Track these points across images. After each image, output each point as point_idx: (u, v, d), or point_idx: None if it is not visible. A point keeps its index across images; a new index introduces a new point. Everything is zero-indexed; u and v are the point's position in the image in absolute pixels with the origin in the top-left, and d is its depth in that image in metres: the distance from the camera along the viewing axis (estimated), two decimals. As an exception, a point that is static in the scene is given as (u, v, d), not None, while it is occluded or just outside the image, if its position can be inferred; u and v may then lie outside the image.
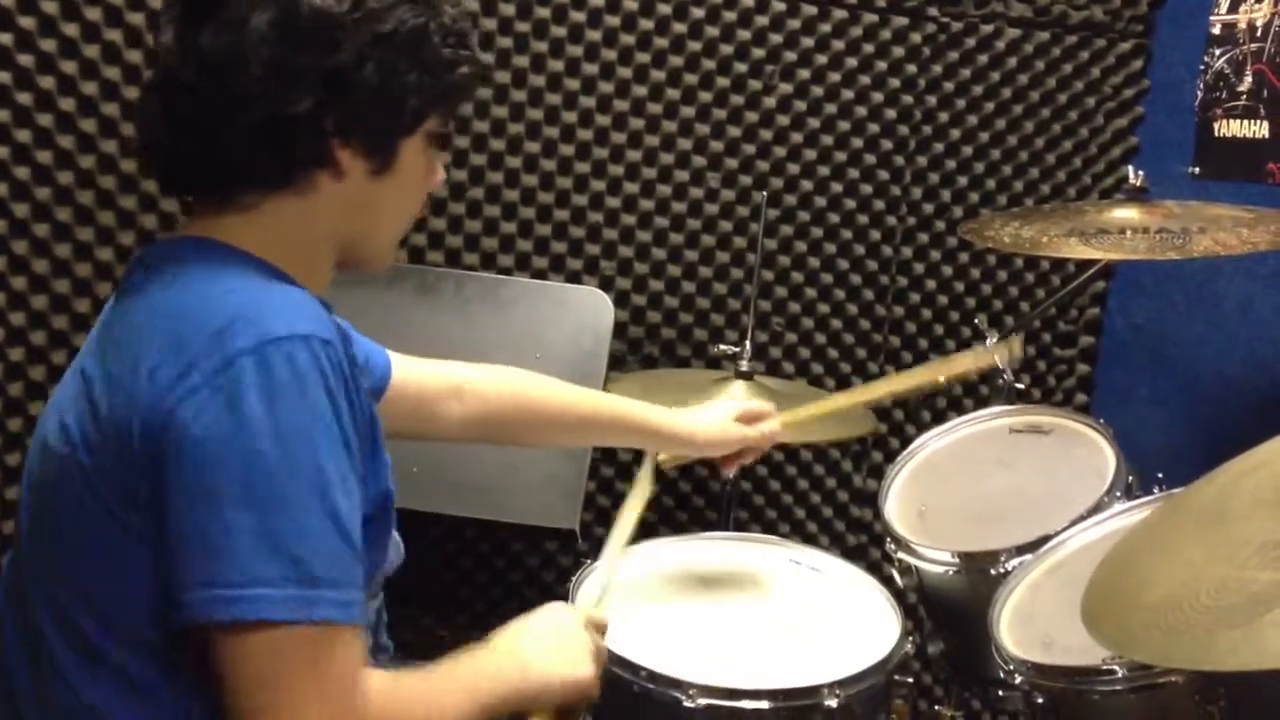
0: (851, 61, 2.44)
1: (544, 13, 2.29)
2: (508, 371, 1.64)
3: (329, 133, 1.11)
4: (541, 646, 1.28)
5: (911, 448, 2.01)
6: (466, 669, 1.21)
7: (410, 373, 1.54)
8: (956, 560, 1.76)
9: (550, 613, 1.34)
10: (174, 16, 1.12)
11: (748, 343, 2.19)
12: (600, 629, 1.38)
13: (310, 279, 1.17)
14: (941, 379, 1.73)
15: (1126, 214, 1.94)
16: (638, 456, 2.47)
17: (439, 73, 1.15)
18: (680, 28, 2.35)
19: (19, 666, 1.11)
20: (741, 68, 2.40)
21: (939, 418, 2.42)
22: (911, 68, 2.46)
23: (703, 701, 1.47)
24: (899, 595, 1.77)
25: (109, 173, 2.16)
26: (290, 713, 1.00)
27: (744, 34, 2.38)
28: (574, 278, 2.39)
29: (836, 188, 2.49)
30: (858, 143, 2.48)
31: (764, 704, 1.48)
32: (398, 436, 1.31)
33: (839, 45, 2.43)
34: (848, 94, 2.45)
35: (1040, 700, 1.46)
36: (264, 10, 1.07)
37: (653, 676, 1.49)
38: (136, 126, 1.18)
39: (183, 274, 1.09)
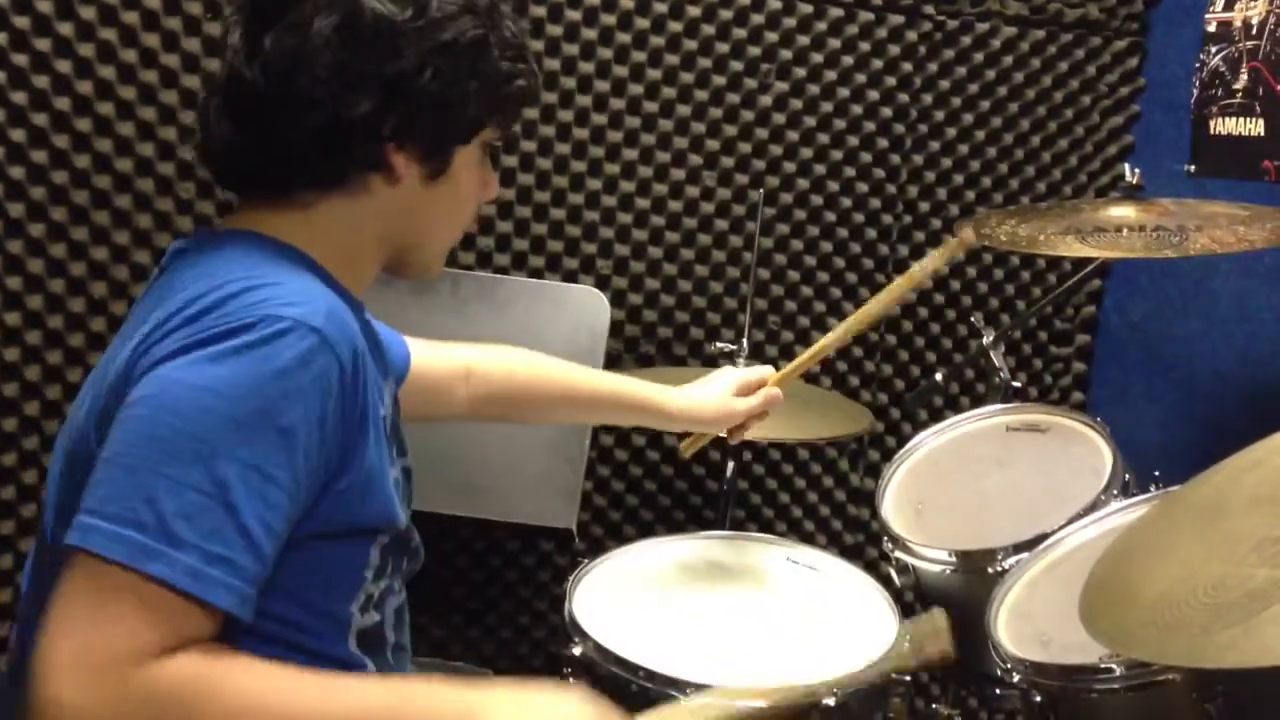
0: (847, 60, 2.44)
1: (539, 11, 2.29)
2: (513, 351, 1.67)
3: (386, 137, 1.14)
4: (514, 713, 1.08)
5: (908, 446, 2.02)
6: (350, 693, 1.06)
7: (421, 358, 1.57)
8: (953, 559, 1.76)
9: (555, 699, 1.12)
10: (241, 18, 1.14)
11: (744, 341, 2.19)
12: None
13: (353, 279, 1.21)
14: (913, 282, 1.74)
15: (1123, 212, 1.94)
16: (634, 456, 2.48)
17: (497, 84, 1.19)
18: (676, 26, 2.35)
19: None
20: (737, 66, 2.40)
21: (936, 416, 2.42)
22: (907, 66, 2.46)
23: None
24: (896, 594, 1.77)
25: (105, 172, 2.15)
26: (61, 636, 0.94)
27: (740, 32, 2.38)
28: (570, 277, 2.39)
29: (833, 186, 2.48)
30: (854, 141, 2.47)
31: (761, 703, 1.48)
32: (410, 420, 1.33)
33: (835, 43, 2.42)
34: (843, 92, 2.45)
35: (1038, 698, 1.47)
36: (328, 15, 1.10)
37: (650, 675, 1.49)
38: (199, 122, 1.20)
39: (216, 258, 1.12)
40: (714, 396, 1.70)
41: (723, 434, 1.75)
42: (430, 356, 1.59)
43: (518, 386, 1.65)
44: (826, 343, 1.74)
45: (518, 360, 1.67)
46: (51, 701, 0.92)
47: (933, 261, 1.71)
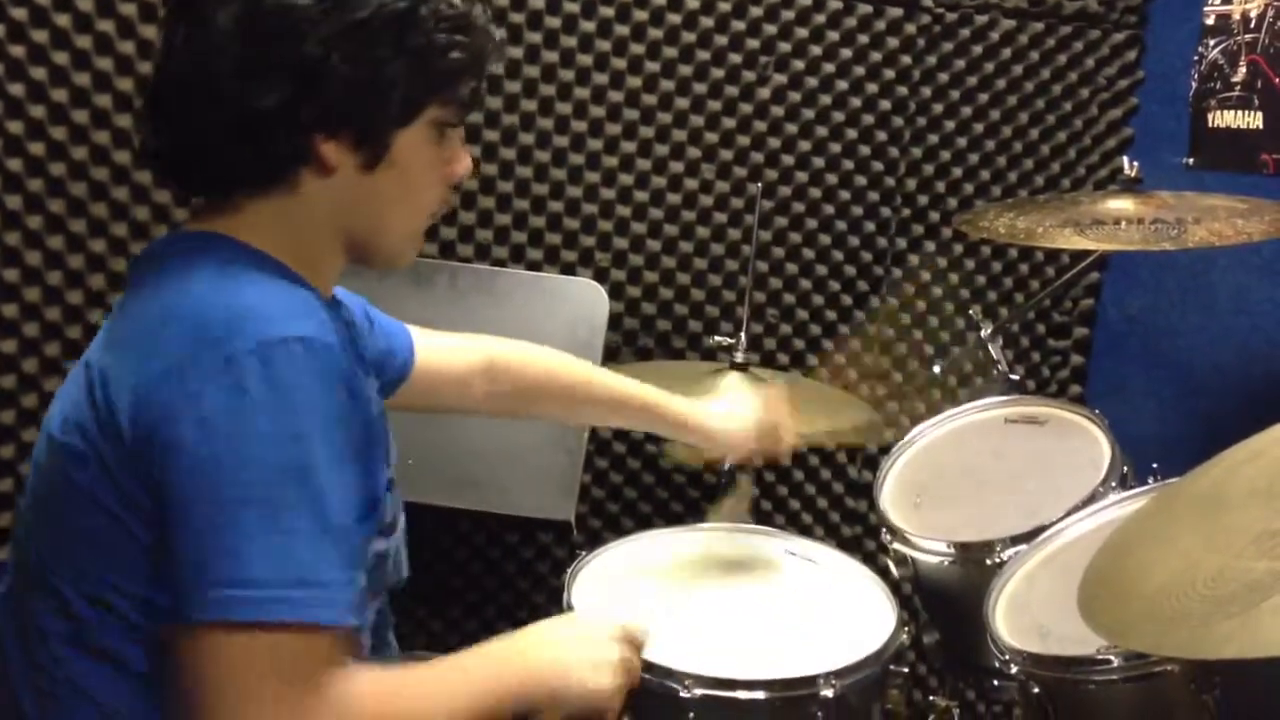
0: (846, 52, 2.43)
1: (538, 3, 2.28)
2: (538, 349, 1.66)
3: (307, 127, 1.10)
4: (560, 650, 1.24)
5: (907, 439, 2.02)
6: (462, 667, 1.19)
7: (437, 350, 1.55)
8: (952, 550, 1.77)
9: (581, 620, 1.33)
10: (162, 19, 1.14)
11: (743, 334, 2.18)
12: (637, 646, 1.31)
13: (316, 274, 1.17)
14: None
15: (1121, 205, 1.94)
16: (632, 449, 2.48)
17: (429, 59, 1.12)
18: (674, 19, 2.35)
19: (14, 650, 1.11)
20: (736, 59, 2.39)
21: (934, 409, 2.42)
22: (906, 59, 2.46)
23: (699, 692, 1.47)
24: (895, 586, 1.77)
25: (102, 164, 2.15)
26: (260, 712, 0.98)
27: (738, 25, 2.38)
28: (569, 270, 2.39)
29: (831, 179, 2.48)
30: (852, 134, 2.47)
31: (760, 694, 1.48)
32: (425, 411, 1.31)
33: (833, 36, 2.42)
34: (842, 85, 2.44)
35: (1035, 690, 1.47)
36: (228, 6, 1.07)
37: (649, 667, 1.49)
38: (142, 140, 1.19)
39: (190, 272, 1.09)
40: (738, 427, 1.71)
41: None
42: (447, 348, 1.57)
43: (539, 383, 1.64)
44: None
45: (539, 356, 1.65)
46: None
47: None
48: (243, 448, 0.99)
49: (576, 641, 1.26)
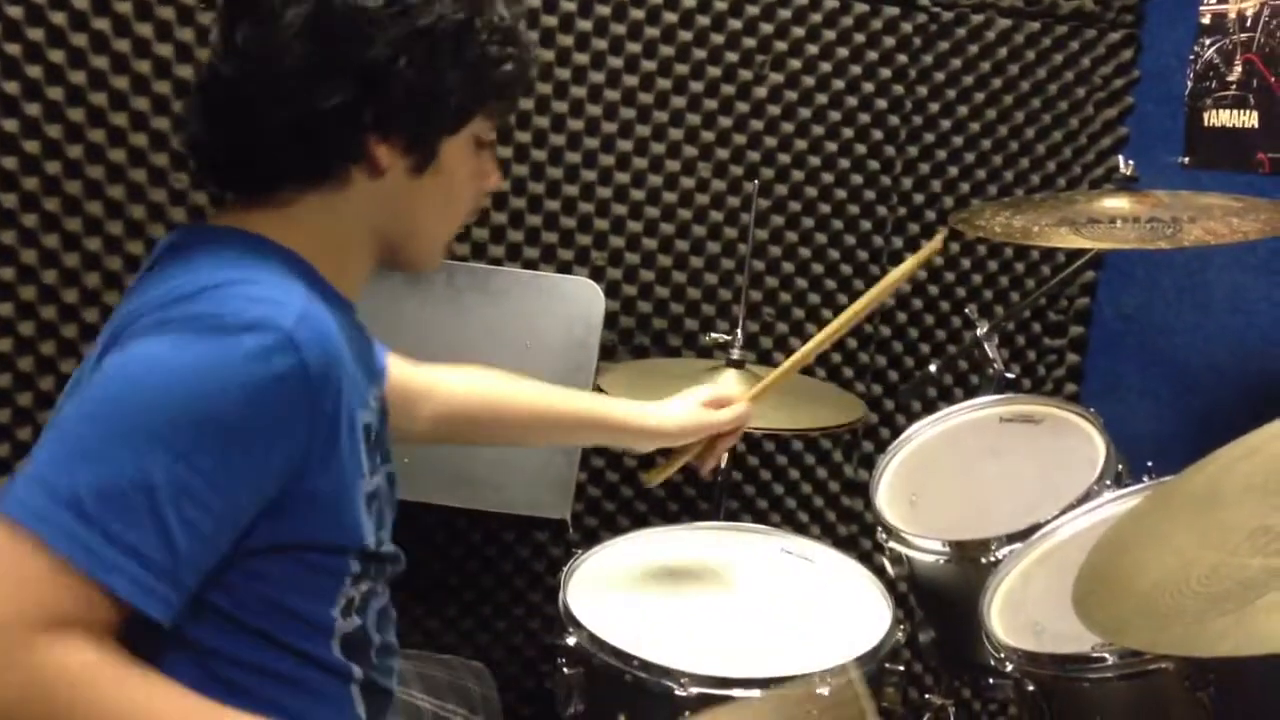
0: (842, 51, 2.44)
1: (534, 1, 2.28)
2: (478, 372, 1.62)
3: (366, 128, 1.12)
4: None
5: (902, 437, 2.02)
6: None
7: (395, 374, 1.53)
8: (947, 549, 1.77)
9: None
10: (220, 16, 1.13)
11: (739, 332, 2.19)
12: None
13: (341, 276, 1.18)
14: (888, 289, 1.73)
15: (1117, 203, 1.95)
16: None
17: (483, 70, 1.15)
18: (671, 17, 2.35)
19: None
20: (733, 57, 2.39)
21: (930, 407, 2.42)
22: (902, 58, 2.46)
23: (695, 690, 1.47)
24: (890, 584, 1.78)
25: (97, 162, 2.14)
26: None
27: (735, 23, 2.38)
28: (565, 268, 2.39)
29: (827, 178, 2.48)
30: (849, 133, 2.47)
31: (756, 693, 1.48)
32: None
33: (830, 35, 2.42)
34: (838, 84, 2.45)
35: (1031, 688, 1.47)
36: (299, 5, 1.08)
37: (645, 666, 1.50)
38: (181, 122, 1.20)
39: (201, 253, 1.10)
40: (686, 409, 1.64)
41: (695, 463, 1.69)
42: (403, 372, 1.55)
43: (481, 406, 1.60)
44: (798, 358, 1.70)
45: (484, 380, 1.62)
46: None
47: (908, 266, 1.69)
48: (158, 384, 0.98)
49: None
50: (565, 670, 1.57)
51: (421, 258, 1.26)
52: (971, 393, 2.32)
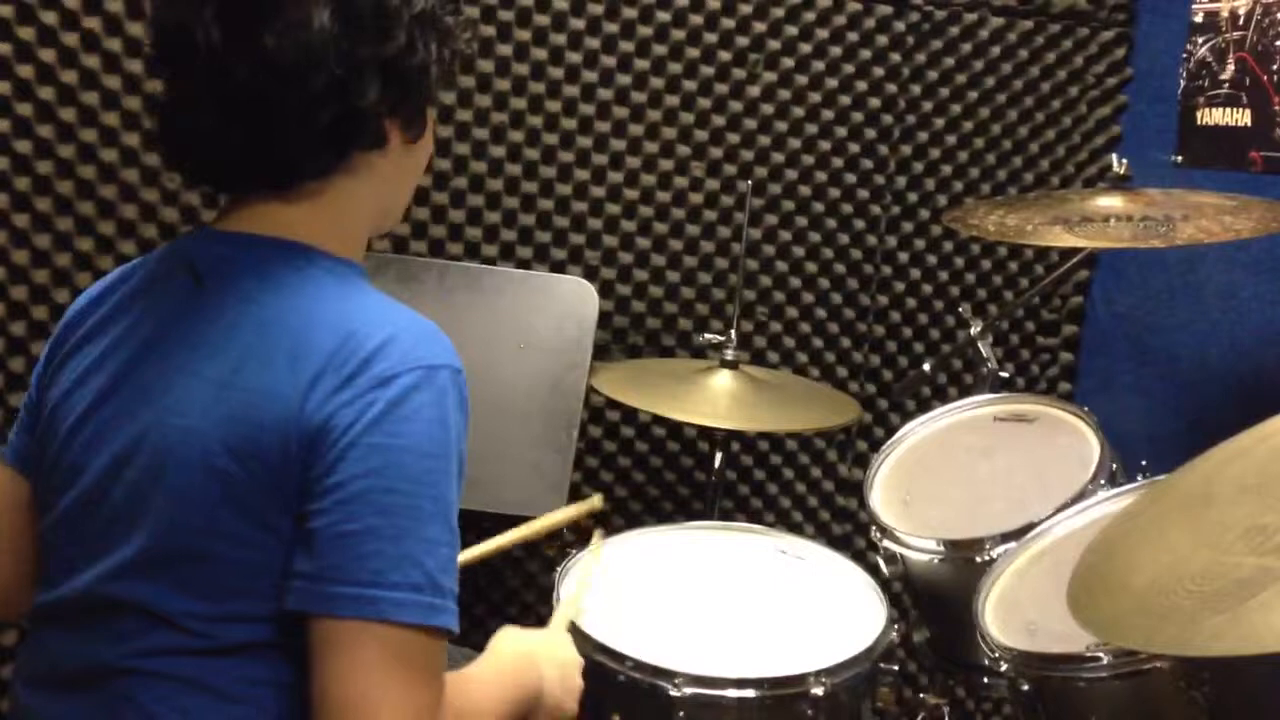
0: (835, 50, 2.43)
1: (527, 1, 2.28)
2: None
3: (383, 114, 1.15)
4: (557, 672, 1.37)
5: (896, 437, 2.02)
6: (504, 672, 1.31)
7: None
8: (941, 548, 1.77)
9: (571, 649, 1.44)
10: (220, 19, 1.09)
11: (733, 332, 2.19)
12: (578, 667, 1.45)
13: (359, 255, 1.22)
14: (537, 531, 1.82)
15: (1110, 202, 1.94)
16: (623, 448, 2.48)
17: (450, 41, 1.20)
18: (664, 16, 2.35)
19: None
20: (725, 57, 2.39)
21: (924, 406, 2.42)
22: (895, 56, 2.46)
23: (689, 690, 1.47)
24: (884, 583, 1.78)
25: (89, 162, 2.14)
26: (386, 706, 1.03)
27: (728, 22, 2.38)
28: (558, 267, 2.39)
29: (821, 176, 2.48)
30: (842, 131, 2.47)
31: (750, 692, 1.48)
32: None
33: (823, 34, 2.42)
34: (831, 82, 2.45)
35: (1025, 687, 1.47)
36: (324, 6, 1.09)
37: (639, 666, 1.50)
38: (176, 129, 1.16)
39: (288, 284, 1.12)
40: None
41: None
42: None
43: None
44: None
45: None
46: None
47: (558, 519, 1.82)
48: (398, 459, 1.05)
49: (568, 667, 1.40)
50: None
51: (395, 220, 1.30)
52: (965, 391, 2.32)
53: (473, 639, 2.49)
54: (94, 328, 1.20)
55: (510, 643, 1.38)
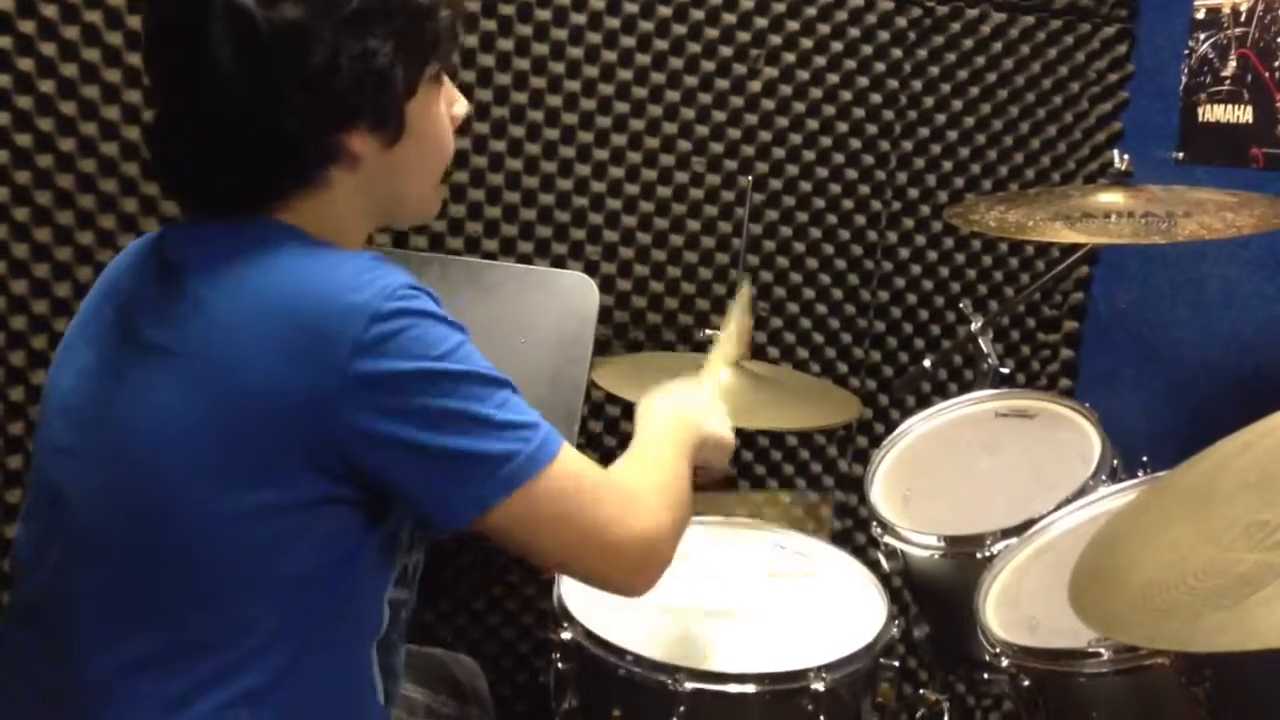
0: (837, 45, 2.43)
1: (528, -4, 2.28)
2: None
3: (330, 129, 1.12)
4: (705, 417, 1.46)
5: (897, 432, 2.02)
6: (646, 442, 1.38)
7: None
8: (942, 544, 1.77)
9: (692, 389, 1.52)
10: (149, 50, 1.14)
11: (733, 327, 2.18)
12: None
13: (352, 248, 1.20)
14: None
15: (1111, 198, 1.94)
16: (623, 443, 2.47)
17: (418, 26, 1.14)
18: (665, 10, 2.34)
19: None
20: (727, 52, 2.39)
21: (924, 402, 2.42)
22: (897, 52, 2.46)
23: (689, 685, 1.47)
24: (885, 579, 1.78)
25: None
26: (605, 512, 1.17)
27: (729, 18, 2.37)
28: (559, 262, 2.38)
29: (822, 172, 2.48)
30: (843, 127, 2.47)
31: (750, 688, 1.48)
32: None
33: (824, 29, 2.42)
34: (833, 78, 2.44)
35: (1026, 683, 1.47)
36: (229, 41, 1.06)
37: (638, 660, 1.50)
38: (152, 157, 1.18)
39: (269, 260, 1.11)
40: None
41: None
42: None
43: None
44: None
45: None
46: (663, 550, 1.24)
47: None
48: (438, 365, 1.08)
49: (712, 408, 1.50)
50: (559, 665, 1.57)
51: (418, 211, 1.30)
52: (966, 387, 2.32)
53: (471, 635, 2.52)
54: (73, 335, 1.23)
55: (645, 416, 1.44)
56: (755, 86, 2.41)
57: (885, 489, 1.94)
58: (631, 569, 1.22)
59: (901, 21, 2.44)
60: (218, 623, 1.09)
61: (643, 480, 1.26)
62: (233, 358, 1.06)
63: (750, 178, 2.34)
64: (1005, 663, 1.49)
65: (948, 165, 2.54)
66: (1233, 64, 2.27)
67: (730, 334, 1.80)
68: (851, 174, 2.49)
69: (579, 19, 2.31)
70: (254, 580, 1.08)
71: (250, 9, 1.06)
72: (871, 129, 2.48)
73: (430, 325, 1.09)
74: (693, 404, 1.46)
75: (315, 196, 1.16)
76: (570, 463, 1.16)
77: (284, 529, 1.07)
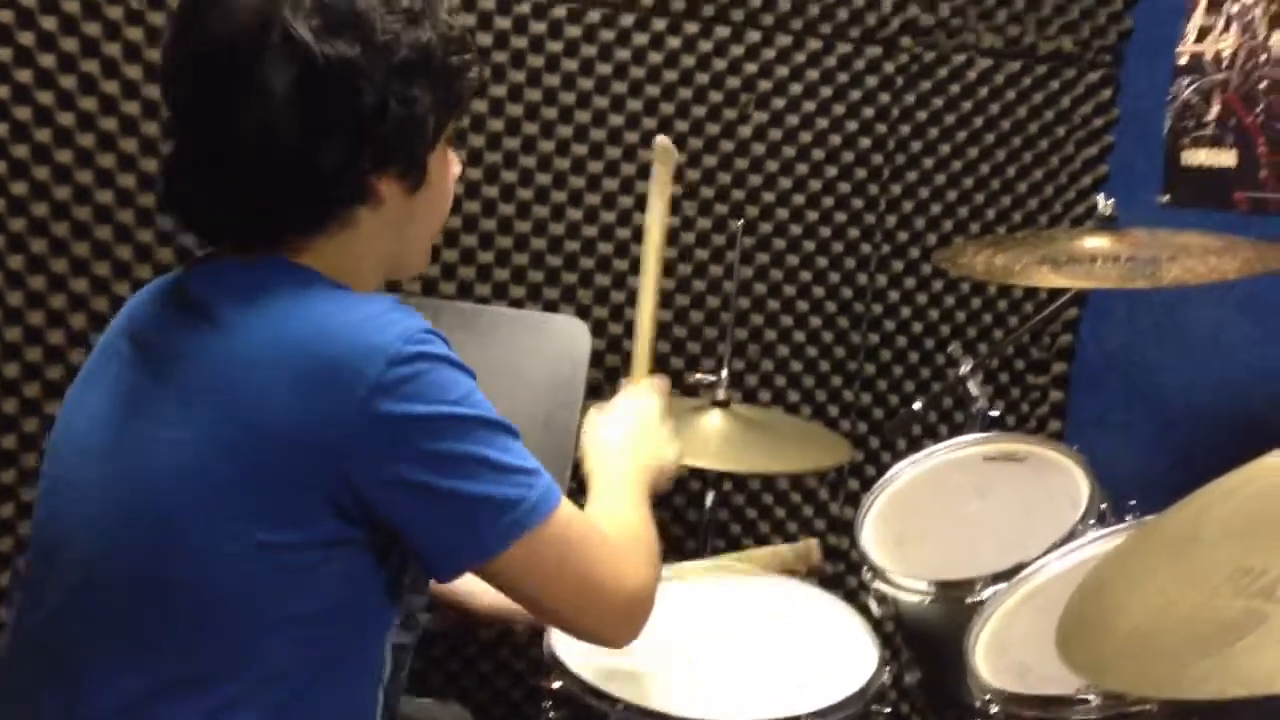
0: (826, 91, 2.46)
1: (520, 43, 2.30)
2: None
3: (368, 170, 1.14)
4: (648, 444, 1.45)
5: (886, 477, 2.02)
6: (613, 488, 1.35)
7: None
8: (932, 589, 1.77)
9: (636, 406, 1.50)
10: (186, 79, 1.12)
11: (724, 371, 2.19)
12: (663, 393, 1.56)
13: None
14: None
15: (1097, 242, 1.96)
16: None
17: (450, 83, 1.18)
18: (656, 57, 2.37)
19: None
20: (717, 97, 2.42)
21: (915, 445, 2.43)
22: (885, 97, 2.49)
23: (680, 732, 1.46)
24: (876, 624, 1.77)
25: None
26: (599, 564, 1.18)
27: (720, 63, 2.40)
28: (551, 306, 2.40)
29: (812, 216, 2.50)
30: (832, 171, 2.49)
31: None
32: None
33: (813, 75, 2.45)
34: (822, 123, 2.47)
35: (1016, 729, 1.47)
36: (284, 72, 1.08)
37: (629, 708, 1.49)
38: (167, 189, 1.19)
39: (285, 297, 1.12)
40: None
41: None
42: None
43: None
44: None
45: None
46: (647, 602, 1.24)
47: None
48: (449, 410, 1.09)
49: (653, 434, 1.48)
50: (550, 713, 1.56)
51: (417, 264, 1.31)
52: (956, 430, 2.32)
53: (463, 682, 2.50)
54: (88, 371, 1.23)
55: (600, 454, 1.42)
56: (746, 132, 2.44)
57: (876, 532, 1.94)
58: (620, 621, 1.23)
59: (889, 67, 2.48)
60: (223, 657, 1.09)
61: (626, 532, 1.27)
62: (252, 396, 1.07)
63: (741, 221, 2.36)
64: (995, 709, 1.49)
65: (936, 209, 2.56)
66: (1216, 109, 2.30)
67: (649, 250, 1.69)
68: (841, 218, 2.52)
69: (570, 65, 2.33)
70: (261, 616, 1.08)
71: (308, 41, 1.08)
72: (861, 173, 2.51)
73: (446, 370, 1.10)
74: (639, 431, 1.45)
75: (337, 237, 1.17)
76: (570, 513, 1.17)
77: (294, 566, 1.08)
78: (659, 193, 1.70)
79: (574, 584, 1.17)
